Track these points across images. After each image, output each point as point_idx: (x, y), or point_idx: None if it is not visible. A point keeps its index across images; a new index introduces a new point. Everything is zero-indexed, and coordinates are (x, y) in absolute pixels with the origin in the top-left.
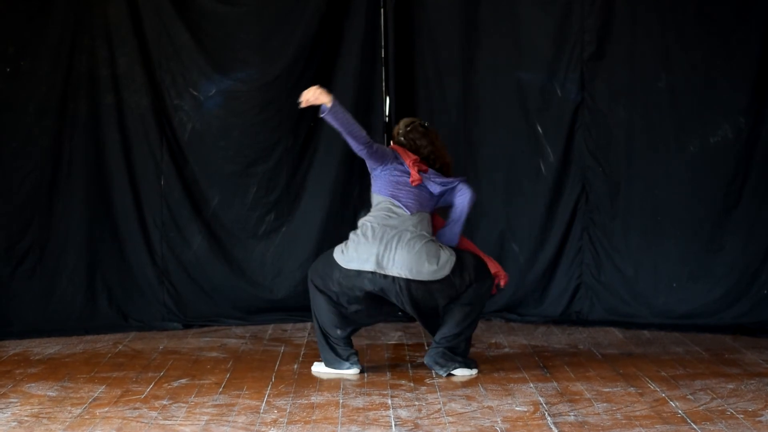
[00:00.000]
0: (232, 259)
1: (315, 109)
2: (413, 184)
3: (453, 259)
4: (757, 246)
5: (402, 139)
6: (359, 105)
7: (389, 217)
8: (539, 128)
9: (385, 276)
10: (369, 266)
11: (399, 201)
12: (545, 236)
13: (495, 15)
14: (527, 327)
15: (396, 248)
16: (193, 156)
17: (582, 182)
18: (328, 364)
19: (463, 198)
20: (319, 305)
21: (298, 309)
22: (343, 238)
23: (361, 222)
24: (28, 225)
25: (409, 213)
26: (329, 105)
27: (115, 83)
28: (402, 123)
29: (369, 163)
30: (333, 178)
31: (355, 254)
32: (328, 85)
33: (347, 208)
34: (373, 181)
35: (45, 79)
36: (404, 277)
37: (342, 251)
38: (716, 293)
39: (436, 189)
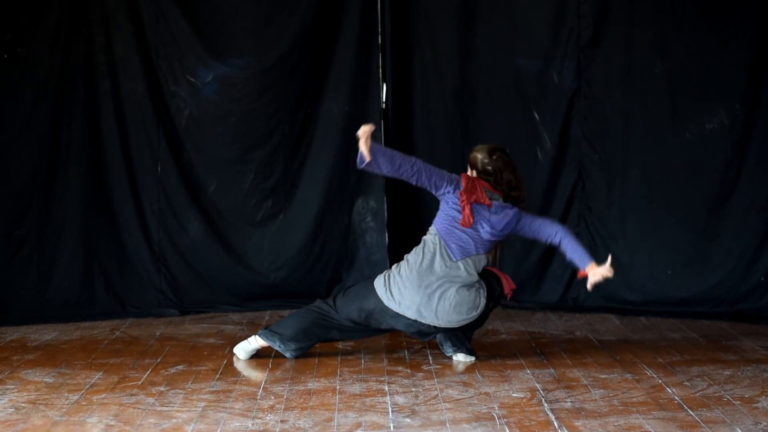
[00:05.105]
0: (230, 245)
1: (312, 95)
2: (461, 225)
3: (485, 293)
4: (752, 232)
5: (489, 168)
6: (356, 92)
7: (435, 261)
8: (536, 115)
9: (423, 323)
10: (410, 314)
11: (447, 245)
12: None
13: (492, 2)
14: (524, 313)
15: (438, 301)
16: (190, 142)
17: (578, 169)
18: (269, 339)
19: (551, 229)
20: (318, 316)
21: (295, 295)
22: (341, 225)
23: (406, 258)
24: (26, 212)
25: (454, 260)
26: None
27: (112, 69)
28: (482, 150)
29: (428, 188)
30: (330, 164)
31: (399, 296)
32: (324, 72)
33: (344, 195)
34: (440, 207)
35: (42, 65)
36: (443, 327)
37: (385, 286)
38: (712, 280)
39: (486, 234)
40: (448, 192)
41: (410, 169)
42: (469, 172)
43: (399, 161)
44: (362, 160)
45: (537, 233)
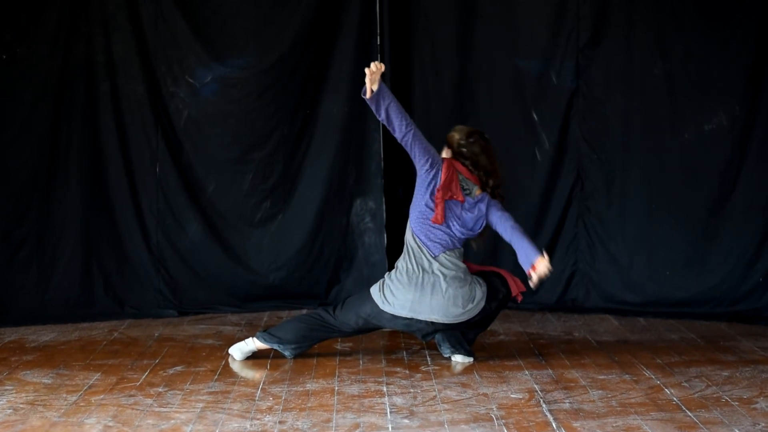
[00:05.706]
0: (228, 246)
1: (311, 96)
2: (433, 222)
3: (485, 289)
4: (752, 233)
5: (464, 150)
6: (356, 92)
7: (417, 260)
8: (535, 115)
9: (420, 320)
10: (405, 312)
11: (425, 243)
12: (540, 224)
13: (492, 2)
14: (523, 314)
15: (431, 295)
16: (189, 143)
17: (577, 169)
18: (268, 342)
19: (502, 226)
20: (317, 322)
21: (294, 296)
22: (339, 225)
23: (396, 263)
24: (25, 212)
25: (434, 255)
26: (372, 93)
27: (111, 70)
28: (461, 132)
29: (409, 154)
30: (329, 165)
31: (392, 298)
32: (324, 73)
33: (343, 196)
34: (414, 196)
35: (42, 65)
36: (441, 322)
37: (380, 291)
38: (711, 280)
39: (457, 232)
40: (423, 170)
41: (400, 128)
42: (444, 152)
43: (394, 114)
44: (366, 91)
45: (495, 225)
